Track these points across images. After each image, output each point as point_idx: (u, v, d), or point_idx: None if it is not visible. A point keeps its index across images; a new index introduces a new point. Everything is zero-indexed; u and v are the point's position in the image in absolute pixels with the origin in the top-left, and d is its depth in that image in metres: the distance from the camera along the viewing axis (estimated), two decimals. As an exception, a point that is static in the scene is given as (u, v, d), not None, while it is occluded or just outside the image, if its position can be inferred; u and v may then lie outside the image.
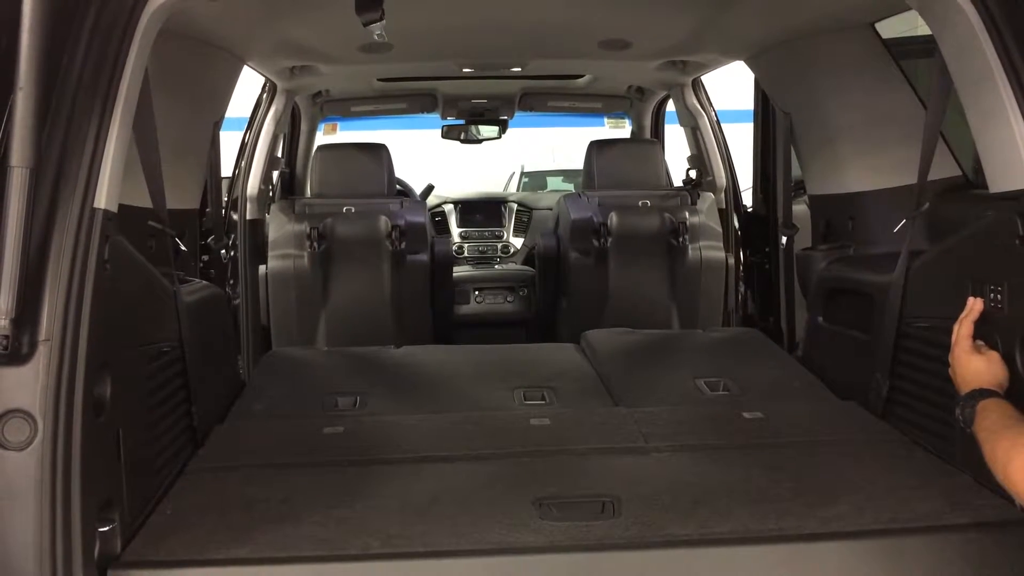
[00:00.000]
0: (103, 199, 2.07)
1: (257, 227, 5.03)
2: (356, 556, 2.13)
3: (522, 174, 12.31)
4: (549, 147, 14.87)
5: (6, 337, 1.87)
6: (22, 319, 1.89)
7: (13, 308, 1.86)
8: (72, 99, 2.05)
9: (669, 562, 2.16)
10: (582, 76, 5.83)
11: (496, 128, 6.79)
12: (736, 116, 5.87)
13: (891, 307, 3.02)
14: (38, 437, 1.90)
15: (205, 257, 4.32)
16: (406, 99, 6.16)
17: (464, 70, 5.24)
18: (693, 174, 5.65)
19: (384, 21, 2.42)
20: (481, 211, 7.16)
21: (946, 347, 2.69)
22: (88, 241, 2.02)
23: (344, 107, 6.13)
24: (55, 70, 2.01)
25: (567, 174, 11.36)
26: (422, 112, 6.46)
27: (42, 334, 1.93)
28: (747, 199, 5.48)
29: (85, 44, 2.09)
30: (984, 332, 2.49)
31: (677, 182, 6.01)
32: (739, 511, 2.32)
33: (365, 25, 2.43)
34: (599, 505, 2.37)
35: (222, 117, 4.01)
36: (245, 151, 5.11)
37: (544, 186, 11.57)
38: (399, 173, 5.77)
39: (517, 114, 6.64)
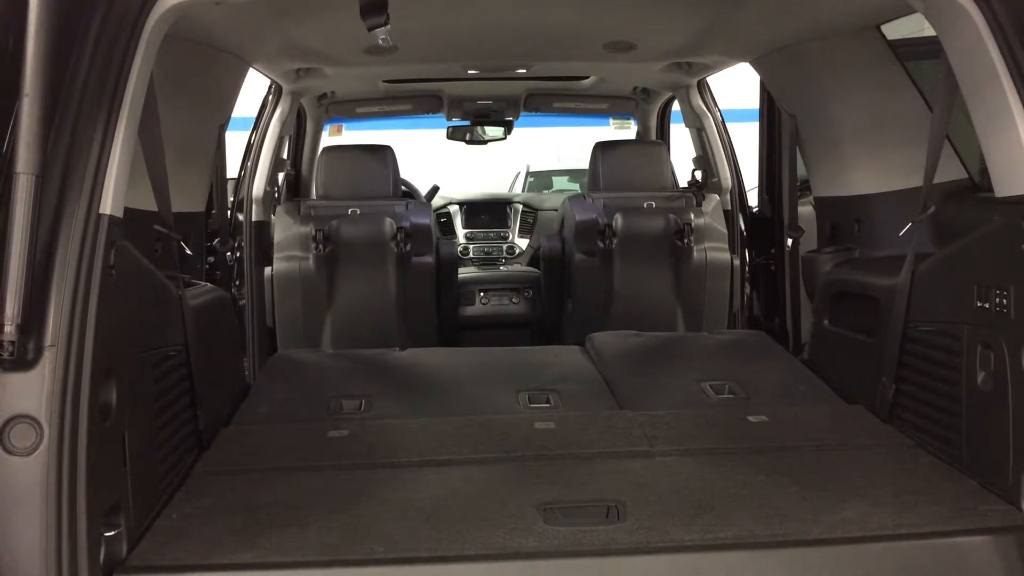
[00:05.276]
0: (108, 205, 2.08)
1: (263, 229, 5.03)
2: (361, 561, 2.14)
3: (528, 174, 12.28)
4: (555, 147, 14.84)
5: (12, 343, 1.88)
6: (28, 325, 1.90)
7: (19, 314, 1.87)
8: (77, 105, 2.06)
9: (674, 567, 2.16)
10: (587, 77, 5.82)
11: (501, 129, 6.77)
12: (741, 115, 5.86)
13: (896, 311, 3.01)
14: (44, 442, 1.91)
15: (211, 259, 4.32)
16: (411, 100, 6.16)
17: (469, 72, 5.23)
18: (699, 175, 5.63)
19: (388, 25, 2.41)
20: (486, 212, 7.14)
21: (952, 351, 2.68)
22: (94, 247, 2.03)
23: (349, 109, 6.12)
24: (60, 76, 2.02)
25: (573, 174, 11.35)
26: (427, 113, 6.46)
27: (48, 340, 1.94)
28: (753, 200, 5.46)
29: (90, 50, 2.09)
30: (989, 337, 2.48)
31: (683, 183, 5.99)
32: (744, 516, 2.32)
33: (369, 30, 2.43)
34: (604, 510, 2.37)
35: (228, 120, 4.01)
36: (251, 153, 5.11)
37: (550, 186, 11.56)
38: (404, 174, 5.76)
39: (523, 114, 6.64)
